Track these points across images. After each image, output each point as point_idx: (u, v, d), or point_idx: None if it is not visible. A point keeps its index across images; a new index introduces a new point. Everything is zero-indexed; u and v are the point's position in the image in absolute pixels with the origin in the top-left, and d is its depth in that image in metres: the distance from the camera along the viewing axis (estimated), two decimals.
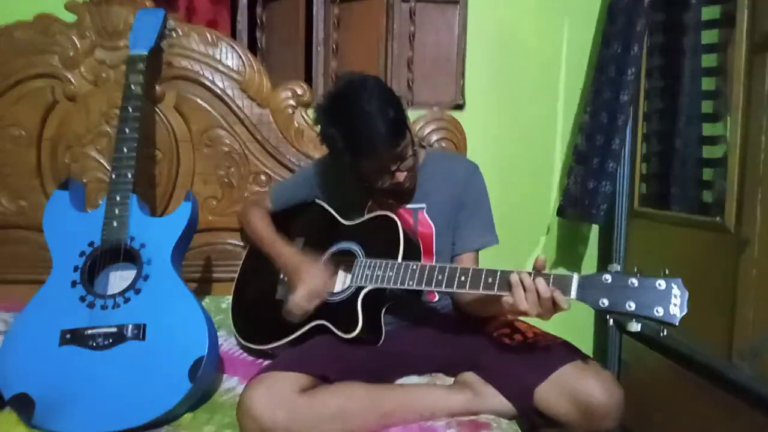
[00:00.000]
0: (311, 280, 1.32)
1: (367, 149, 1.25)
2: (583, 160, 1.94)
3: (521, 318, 1.31)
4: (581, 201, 1.92)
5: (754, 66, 1.42)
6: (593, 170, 1.89)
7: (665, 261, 1.72)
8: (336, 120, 1.27)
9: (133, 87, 1.55)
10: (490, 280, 1.16)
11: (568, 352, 1.21)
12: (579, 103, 2.08)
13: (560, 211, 2.02)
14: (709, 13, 1.79)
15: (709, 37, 1.78)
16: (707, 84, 1.82)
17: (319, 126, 1.30)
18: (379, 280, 1.28)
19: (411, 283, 1.24)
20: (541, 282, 1.08)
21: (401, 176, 1.32)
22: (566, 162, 2.10)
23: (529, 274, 1.10)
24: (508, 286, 1.12)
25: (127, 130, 1.50)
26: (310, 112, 1.82)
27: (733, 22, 1.49)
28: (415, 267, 1.25)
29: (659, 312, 0.99)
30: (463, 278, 1.18)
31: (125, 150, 1.48)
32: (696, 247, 1.62)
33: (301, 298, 1.31)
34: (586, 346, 2.15)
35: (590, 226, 2.14)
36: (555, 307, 1.08)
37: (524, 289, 1.09)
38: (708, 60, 1.79)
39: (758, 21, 1.42)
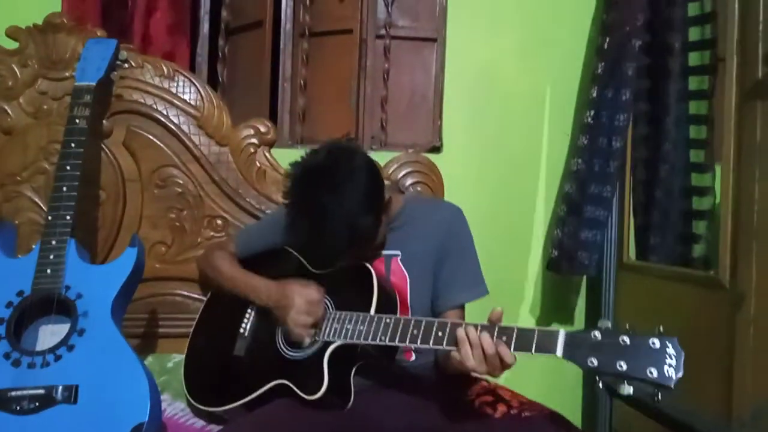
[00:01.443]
0: (303, 291, 1.33)
1: (322, 251, 1.33)
2: (575, 209, 1.98)
3: (501, 381, 1.32)
4: (573, 252, 1.95)
5: (743, 114, 1.49)
6: (585, 220, 1.94)
7: (657, 317, 1.76)
8: (301, 204, 1.30)
9: (77, 121, 1.55)
10: (440, 334, 1.17)
11: (558, 426, 1.21)
12: (567, 147, 2.14)
13: (552, 265, 2.04)
14: (696, 58, 1.89)
15: (696, 83, 1.87)
16: (695, 132, 1.90)
17: (288, 187, 1.32)
18: (348, 335, 1.27)
19: (383, 338, 1.24)
20: (485, 337, 1.09)
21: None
22: (552, 209, 2.15)
23: (476, 327, 1.12)
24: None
25: (68, 168, 1.49)
26: (274, 151, 1.84)
27: (722, 68, 1.57)
28: (389, 320, 1.25)
29: (653, 373, 0.98)
30: (440, 334, 1.18)
31: (65, 189, 1.47)
32: (689, 302, 1.65)
33: (300, 312, 1.31)
34: (574, 411, 2.15)
35: (579, 278, 2.17)
36: (502, 363, 1.09)
37: (470, 345, 1.10)
38: (696, 107, 1.87)
39: (748, 67, 1.49)
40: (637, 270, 1.93)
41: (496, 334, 1.11)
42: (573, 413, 2.14)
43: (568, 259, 1.98)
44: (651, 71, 1.93)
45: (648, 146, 1.96)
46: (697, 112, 1.92)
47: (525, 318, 2.17)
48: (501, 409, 1.27)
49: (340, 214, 1.24)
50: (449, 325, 1.18)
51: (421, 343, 1.18)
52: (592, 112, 1.95)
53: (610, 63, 1.90)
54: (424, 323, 1.21)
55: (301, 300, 1.32)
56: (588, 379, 2.12)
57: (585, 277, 2.18)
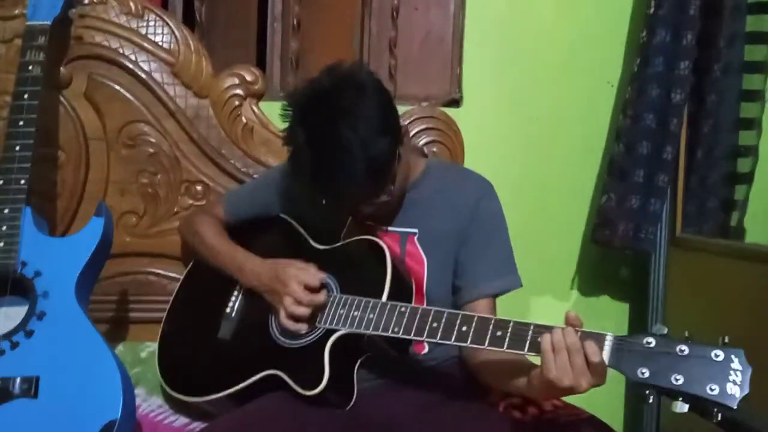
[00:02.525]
0: (300, 275, 1.33)
1: (336, 192, 1.30)
2: (621, 173, 1.98)
3: None
4: (621, 223, 1.96)
5: None
6: (636, 185, 1.94)
7: (716, 303, 1.77)
8: (309, 132, 1.28)
9: (30, 67, 1.55)
10: (498, 333, 1.15)
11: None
12: (613, 99, 2.12)
13: (594, 235, 2.05)
14: None
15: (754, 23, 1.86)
16: (748, 82, 1.90)
17: (287, 124, 1.32)
18: (356, 323, 1.28)
19: (397, 330, 1.24)
20: (569, 333, 1.07)
21: (376, 211, 1.36)
22: (590, 173, 2.14)
23: (561, 329, 1.09)
24: (522, 343, 1.12)
25: (21, 123, 1.50)
26: (263, 104, 1.84)
27: None
28: (404, 309, 1.25)
29: (713, 390, 0.98)
30: (464, 328, 1.18)
31: (18, 149, 1.48)
32: (759, 286, 1.65)
33: (295, 300, 1.31)
34: (616, 411, 2.16)
35: (624, 258, 2.17)
36: (589, 366, 1.06)
37: (553, 350, 1.07)
38: (751, 53, 1.87)
39: None
40: (693, 246, 1.93)
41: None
42: (614, 415, 2.14)
43: (610, 229, 1.98)
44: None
45: (696, 101, 1.95)
46: (752, 59, 1.92)
47: (558, 303, 2.18)
48: (532, 412, 1.28)
49: (354, 138, 1.23)
50: (476, 319, 1.18)
51: (472, 342, 1.17)
52: (640, 59, 1.93)
53: (669, 1, 1.89)
54: (446, 315, 1.21)
55: (298, 287, 1.32)
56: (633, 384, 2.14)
57: (631, 259, 2.18)
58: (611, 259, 2.17)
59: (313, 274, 1.34)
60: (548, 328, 1.11)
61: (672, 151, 1.91)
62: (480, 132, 2.02)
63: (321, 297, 1.33)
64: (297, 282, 1.33)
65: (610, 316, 2.18)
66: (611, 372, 1.10)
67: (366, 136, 1.24)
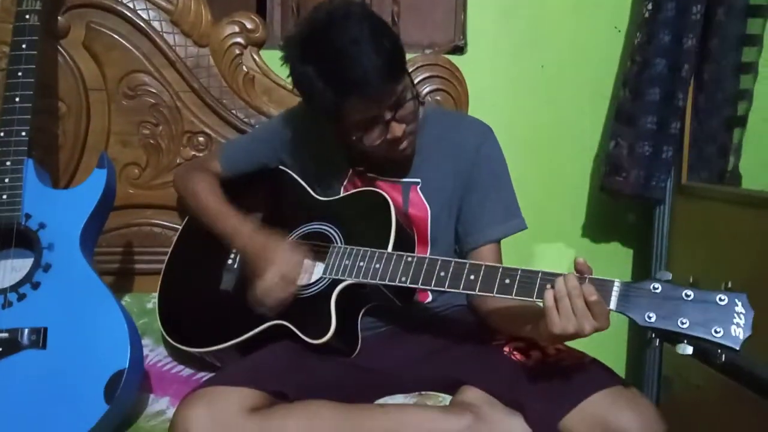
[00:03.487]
0: (284, 262, 1.32)
1: (356, 84, 1.22)
2: (629, 119, 1.96)
3: None
4: (632, 171, 1.95)
5: None
6: (648, 132, 1.92)
7: (721, 251, 1.77)
8: (313, 54, 1.25)
9: (27, 16, 1.53)
10: (507, 281, 1.16)
11: (600, 376, 1.23)
12: (622, 44, 2.09)
13: (603, 183, 2.04)
14: None
15: None
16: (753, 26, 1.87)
17: (290, 66, 1.29)
18: (361, 273, 1.28)
19: (404, 279, 1.25)
20: (572, 280, 1.09)
21: (398, 129, 1.30)
22: (597, 119, 2.13)
23: (562, 278, 1.11)
24: (531, 290, 1.14)
25: (20, 74, 1.49)
26: (264, 52, 1.81)
27: None
28: (410, 259, 1.26)
29: (718, 332, 1.01)
30: (472, 277, 1.19)
31: (18, 100, 1.47)
32: (764, 233, 1.65)
33: (274, 283, 1.30)
34: (618, 356, 2.20)
35: (630, 206, 2.17)
36: (590, 308, 1.08)
37: (555, 299, 1.09)
38: None
39: None
40: (698, 194, 1.92)
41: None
42: (617, 358, 2.18)
43: (621, 176, 1.97)
44: None
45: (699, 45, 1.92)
46: (756, 2, 1.88)
47: (567, 249, 2.19)
48: (535, 356, 1.30)
49: (361, 34, 1.22)
50: (484, 267, 1.19)
51: (480, 291, 1.18)
52: (651, 4, 1.89)
53: None
54: (453, 264, 1.22)
55: (277, 272, 1.30)
56: (635, 326, 2.17)
57: (635, 207, 2.18)
58: (617, 205, 2.17)
59: (297, 261, 1.33)
60: (555, 275, 1.13)
61: (683, 98, 1.88)
62: (485, 79, 2.01)
63: (287, 291, 1.31)
64: (274, 268, 1.31)
65: (614, 263, 2.19)
66: (614, 316, 1.11)
67: (370, 34, 1.22)
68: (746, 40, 1.92)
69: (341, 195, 1.46)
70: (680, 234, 1.99)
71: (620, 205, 2.16)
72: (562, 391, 1.20)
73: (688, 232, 1.97)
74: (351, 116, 1.29)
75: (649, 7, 1.90)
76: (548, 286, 1.12)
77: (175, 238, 1.64)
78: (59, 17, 1.74)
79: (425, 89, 1.84)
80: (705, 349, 1.04)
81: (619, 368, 2.14)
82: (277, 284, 1.31)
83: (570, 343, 1.29)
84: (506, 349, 1.33)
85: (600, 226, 2.20)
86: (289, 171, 1.55)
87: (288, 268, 1.32)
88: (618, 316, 1.12)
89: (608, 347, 2.12)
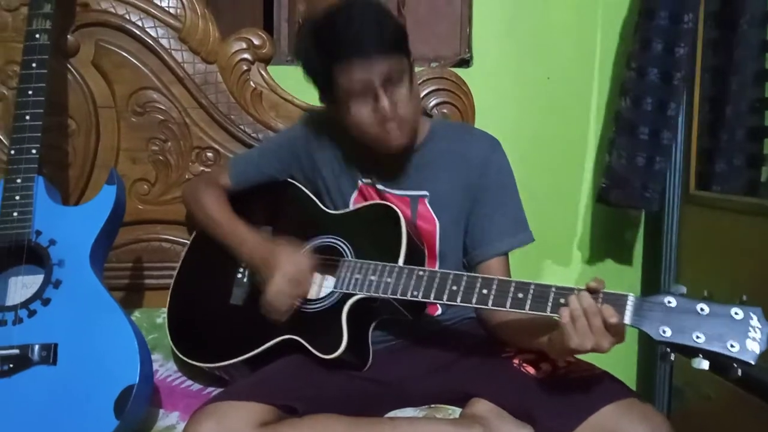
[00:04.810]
0: (291, 264, 1.32)
1: (348, 43, 1.25)
2: (628, 129, 1.95)
3: None
4: (629, 181, 1.94)
5: None
6: (642, 142, 1.92)
7: (730, 261, 1.76)
8: (315, 27, 1.30)
9: (37, 36, 1.54)
10: (520, 295, 1.16)
11: (610, 388, 1.22)
12: (622, 56, 2.09)
13: (602, 196, 2.03)
14: None
15: None
16: None
17: (301, 52, 1.34)
18: (372, 287, 1.28)
19: (416, 293, 1.25)
20: (586, 298, 1.09)
21: (388, 105, 1.28)
22: (604, 133, 2.12)
23: (576, 294, 1.11)
24: (544, 305, 1.13)
25: (30, 93, 1.49)
26: (272, 68, 1.82)
27: None
28: (422, 273, 1.26)
29: (734, 347, 1.01)
30: (485, 291, 1.19)
31: (28, 118, 1.47)
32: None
33: (283, 284, 1.31)
34: (629, 366, 2.18)
35: (635, 217, 2.16)
36: (608, 328, 1.07)
37: (572, 317, 1.09)
38: None
39: None
40: (707, 203, 1.91)
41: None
42: (627, 369, 2.17)
43: (620, 188, 1.97)
44: None
45: (717, 54, 1.91)
46: None
47: (576, 261, 2.19)
48: (545, 368, 1.29)
49: (364, 9, 1.27)
50: (497, 282, 1.19)
51: (462, 302, 1.19)
52: (650, 11, 1.89)
53: None
54: (465, 279, 1.22)
55: (286, 274, 1.31)
56: (646, 333, 2.15)
57: (644, 216, 2.18)
58: (625, 216, 2.16)
59: (302, 264, 1.34)
60: (569, 290, 1.12)
61: (675, 108, 1.88)
62: (491, 92, 2.01)
63: (298, 291, 1.32)
64: (282, 271, 1.32)
65: (623, 274, 2.18)
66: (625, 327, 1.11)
67: (377, 11, 1.29)
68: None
69: (351, 208, 1.45)
70: (689, 243, 1.98)
71: (628, 216, 2.15)
72: (573, 403, 1.19)
73: (696, 241, 1.95)
74: (342, 82, 1.28)
75: (642, 13, 1.91)
76: (562, 300, 1.12)
77: (183, 253, 1.64)
78: (68, 36, 1.75)
79: (432, 102, 1.84)
80: (721, 363, 1.03)
81: (630, 379, 2.13)
82: (286, 287, 1.31)
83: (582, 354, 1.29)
84: (516, 361, 1.32)
85: (608, 237, 2.20)
86: (298, 184, 1.54)
87: (295, 270, 1.32)
88: (629, 331, 1.11)
89: (618, 359, 2.11)
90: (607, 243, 2.20)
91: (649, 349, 2.13)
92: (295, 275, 1.32)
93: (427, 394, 1.36)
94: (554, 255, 2.16)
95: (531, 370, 1.29)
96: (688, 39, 1.84)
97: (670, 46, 1.86)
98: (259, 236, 1.43)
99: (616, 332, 1.08)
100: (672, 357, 1.06)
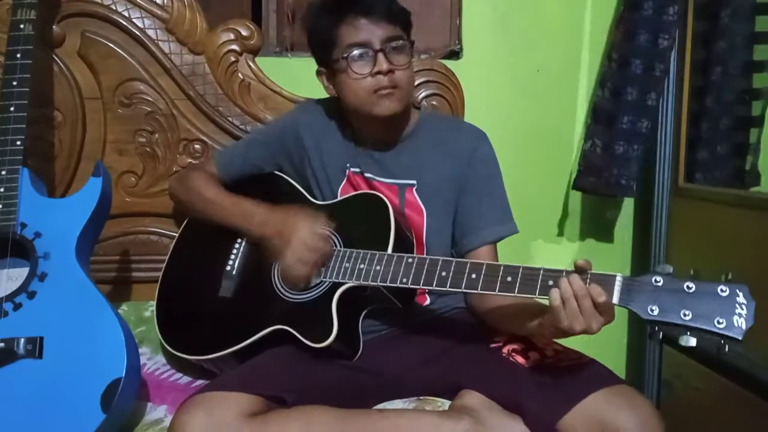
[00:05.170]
0: (309, 223, 1.34)
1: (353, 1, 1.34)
2: (606, 119, 1.97)
3: None
4: (606, 169, 1.96)
5: None
6: (621, 131, 1.93)
7: (719, 252, 1.77)
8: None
9: (22, 26, 1.53)
10: (509, 279, 1.17)
11: (597, 376, 1.23)
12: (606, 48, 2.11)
13: (577, 183, 2.05)
14: None
15: None
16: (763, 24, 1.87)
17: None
18: (362, 276, 1.29)
19: (405, 280, 1.26)
20: (576, 281, 1.10)
21: (385, 64, 1.35)
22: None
23: (565, 276, 1.11)
24: (533, 287, 1.14)
25: (14, 83, 1.49)
26: (260, 60, 1.82)
27: None
28: (411, 260, 1.27)
29: (721, 323, 1.02)
30: (473, 276, 1.20)
31: (12, 109, 1.47)
32: (759, 234, 1.65)
33: (305, 242, 1.31)
34: (618, 360, 2.20)
35: (621, 206, 2.17)
36: (597, 308, 1.09)
37: (562, 300, 1.10)
38: None
39: None
40: (696, 195, 1.92)
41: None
42: (616, 361, 2.19)
43: (594, 175, 1.99)
44: None
45: (704, 47, 1.93)
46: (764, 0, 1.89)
47: (565, 253, 2.19)
48: (533, 357, 1.30)
49: None
50: (485, 266, 1.20)
51: (482, 289, 1.19)
52: (634, 3, 1.90)
53: None
54: (454, 264, 1.23)
55: (308, 231, 1.32)
56: (634, 324, 2.16)
57: (633, 205, 2.18)
58: (613, 206, 2.17)
59: (321, 223, 1.35)
60: (557, 272, 1.13)
61: (655, 97, 1.90)
62: (480, 84, 2.01)
63: (327, 246, 1.33)
64: (307, 226, 1.33)
65: (612, 266, 2.18)
66: (614, 321, 1.11)
67: None
68: (758, 38, 1.92)
69: (339, 198, 1.46)
70: (678, 236, 1.99)
71: (616, 205, 2.16)
72: (561, 391, 1.20)
73: (685, 234, 1.96)
74: (344, 39, 1.36)
75: (626, 4, 1.92)
76: (550, 282, 1.13)
77: (171, 246, 1.63)
78: (54, 26, 1.74)
79: (421, 94, 1.83)
80: (705, 349, 1.04)
81: (619, 370, 2.14)
82: (305, 252, 1.31)
83: (571, 343, 1.29)
84: (504, 351, 1.33)
85: (597, 227, 2.21)
86: (285, 176, 1.55)
87: (315, 225, 1.34)
88: (618, 319, 1.12)
89: (608, 349, 2.12)
90: (596, 233, 2.21)
91: (638, 340, 2.14)
92: (311, 238, 1.32)
93: (417, 384, 1.36)
94: (544, 245, 2.16)
95: (520, 359, 1.30)
96: (672, 31, 1.85)
97: (653, 37, 1.87)
98: (266, 206, 1.43)
99: (605, 311, 1.09)
100: (660, 335, 1.07)
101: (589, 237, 2.21)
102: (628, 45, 1.93)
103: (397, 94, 1.38)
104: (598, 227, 2.21)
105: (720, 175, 1.94)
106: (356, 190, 1.47)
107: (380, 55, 1.34)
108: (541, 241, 2.15)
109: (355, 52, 1.35)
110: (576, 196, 2.18)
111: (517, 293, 1.16)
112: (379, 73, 1.35)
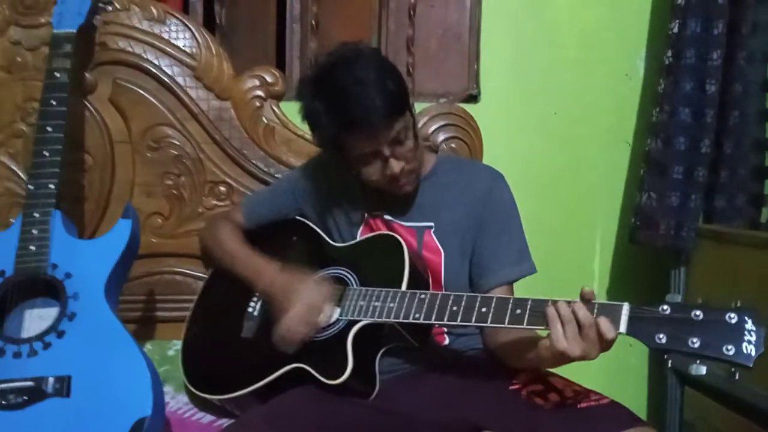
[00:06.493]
0: (309, 294, 1.34)
1: (357, 122, 1.29)
2: (661, 169, 1.95)
3: (554, 370, 1.33)
4: (662, 222, 1.94)
5: None
6: (676, 181, 1.92)
7: (738, 293, 1.75)
8: (321, 90, 1.32)
9: (57, 74, 1.57)
10: (518, 311, 1.18)
11: (618, 417, 1.22)
12: (632, 91, 2.12)
13: (633, 236, 2.03)
14: None
15: None
16: None
17: (301, 103, 1.37)
18: (376, 313, 1.30)
19: (417, 315, 1.27)
20: (580, 307, 1.10)
21: (396, 165, 1.35)
22: (612, 166, 2.13)
23: (568, 303, 1.12)
24: (542, 319, 1.14)
25: (49, 129, 1.52)
26: (284, 105, 1.85)
27: None
28: (423, 296, 1.28)
29: (729, 351, 1.01)
30: (483, 309, 1.21)
31: (47, 154, 1.50)
32: None
33: (302, 313, 1.32)
34: (639, 402, 2.17)
35: (652, 251, 2.16)
36: (600, 339, 1.09)
37: (561, 322, 1.11)
38: None
39: None
40: (715, 237, 1.91)
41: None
42: (637, 403, 2.15)
43: (651, 229, 1.96)
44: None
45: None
46: None
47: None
48: (553, 399, 1.29)
49: (365, 75, 1.29)
50: (495, 299, 1.21)
51: (492, 322, 1.20)
52: (672, 51, 1.91)
53: None
54: (465, 298, 1.24)
55: (302, 305, 1.32)
56: (655, 363, 2.13)
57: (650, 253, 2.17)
58: (631, 252, 2.16)
59: (324, 293, 1.35)
60: (567, 302, 1.13)
61: (709, 144, 1.89)
62: (498, 127, 2.02)
63: (314, 322, 1.33)
64: (300, 302, 1.33)
65: None
66: (634, 360, 1.11)
67: (375, 76, 1.29)
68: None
69: (356, 240, 1.48)
70: (697, 277, 1.97)
71: (641, 254, 2.15)
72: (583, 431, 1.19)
73: (705, 274, 1.95)
74: (352, 150, 1.35)
75: (670, 53, 1.92)
76: (550, 303, 1.14)
77: (201, 289, 1.66)
78: (87, 74, 1.78)
79: (440, 138, 1.86)
80: (727, 391, 1.03)
81: (640, 413, 2.09)
82: (305, 316, 1.32)
83: (591, 384, 1.29)
84: (524, 393, 1.32)
85: (613, 272, 2.19)
86: (307, 221, 1.58)
87: (315, 299, 1.34)
88: (638, 358, 1.12)
89: (628, 391, 2.10)
90: (613, 278, 2.19)
91: (659, 381, 2.11)
92: (313, 305, 1.33)
93: (436, 425, 1.35)
94: (568, 289, 2.14)
95: (539, 401, 1.29)
96: (717, 76, 1.86)
97: (700, 84, 1.88)
98: (277, 266, 1.45)
99: (606, 342, 1.09)
100: (669, 364, 1.06)
101: (606, 282, 2.20)
102: (676, 94, 1.92)
103: (411, 178, 1.41)
104: (615, 273, 2.19)
105: (737, 225, 1.94)
106: (375, 231, 1.49)
107: (391, 161, 1.34)
108: (558, 286, 2.06)
109: (364, 159, 1.36)
110: (600, 240, 2.17)
111: (527, 325, 1.16)
112: (391, 170, 1.36)
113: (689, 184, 1.92)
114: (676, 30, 1.90)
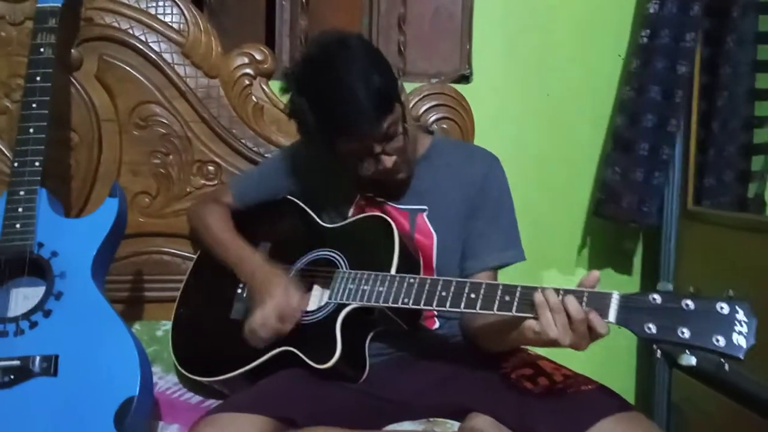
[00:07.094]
0: (284, 296, 1.33)
1: (342, 124, 1.28)
2: (626, 146, 1.98)
3: (543, 352, 1.33)
4: (625, 196, 1.96)
5: None
6: (640, 158, 1.94)
7: (728, 275, 1.77)
8: (306, 87, 1.31)
9: (42, 49, 1.55)
10: (507, 298, 1.17)
11: (607, 401, 1.23)
12: (621, 73, 2.12)
13: (597, 209, 2.06)
14: None
15: None
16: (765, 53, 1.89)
17: (288, 96, 1.35)
18: (365, 296, 1.30)
19: (406, 300, 1.26)
20: (571, 300, 1.10)
21: (388, 161, 1.34)
22: (603, 148, 2.14)
23: (557, 291, 1.12)
24: (530, 306, 1.14)
25: (34, 105, 1.51)
26: (273, 83, 1.84)
27: None
28: (412, 281, 1.28)
29: (720, 342, 1.00)
30: (473, 295, 1.20)
31: (32, 131, 1.49)
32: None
33: (271, 316, 1.32)
34: (627, 384, 2.19)
35: (632, 232, 2.17)
36: (591, 332, 1.09)
37: (551, 311, 1.11)
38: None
39: None
40: (704, 219, 1.93)
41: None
42: (626, 386, 2.18)
43: (614, 202, 2.00)
44: None
45: (709, 72, 1.95)
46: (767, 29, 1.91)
47: (573, 275, 2.19)
48: (542, 383, 1.29)
49: (352, 71, 1.26)
50: (484, 285, 1.20)
51: (481, 308, 1.19)
52: (648, 31, 1.93)
53: None
54: (454, 284, 1.23)
55: (275, 306, 1.32)
56: (643, 347, 2.15)
57: (641, 232, 2.19)
58: (623, 231, 2.17)
59: (295, 301, 1.34)
60: (555, 291, 1.13)
61: (676, 124, 1.91)
62: (490, 108, 2.02)
63: (285, 326, 1.32)
64: (273, 302, 1.33)
65: (623, 289, 2.19)
66: (623, 343, 1.11)
67: (361, 71, 1.27)
68: (759, 67, 1.95)
69: (347, 221, 1.48)
70: (687, 259, 1.99)
71: (626, 232, 2.16)
72: (570, 417, 1.19)
73: (695, 257, 1.97)
74: (342, 149, 1.34)
75: (647, 33, 1.93)
76: (539, 290, 1.13)
77: (190, 269, 1.66)
78: (72, 50, 1.77)
79: (432, 118, 1.86)
80: (715, 374, 1.02)
81: (629, 395, 2.12)
82: (274, 316, 1.32)
83: (580, 369, 1.30)
84: (513, 376, 1.33)
85: (606, 252, 2.20)
86: (297, 200, 1.57)
87: (286, 303, 1.33)
88: (627, 343, 1.12)
89: (617, 374, 2.12)
90: (605, 258, 2.20)
91: (648, 365, 2.13)
92: (283, 310, 1.33)
93: (426, 408, 1.36)
94: (556, 269, 2.17)
95: (528, 385, 1.30)
96: (690, 57, 1.87)
97: (672, 64, 1.89)
98: (259, 258, 1.45)
99: (598, 336, 1.09)
100: (658, 354, 1.06)
101: (600, 261, 2.20)
102: (646, 72, 1.94)
103: (404, 166, 1.40)
104: (609, 252, 2.20)
105: (725, 202, 1.95)
106: (366, 212, 1.48)
107: (383, 157, 1.34)
108: (550, 265, 2.16)
109: (355, 157, 1.35)
110: (587, 221, 2.18)
111: (515, 312, 1.15)
112: (383, 166, 1.35)
113: (654, 161, 1.94)
114: (653, 10, 1.92)
